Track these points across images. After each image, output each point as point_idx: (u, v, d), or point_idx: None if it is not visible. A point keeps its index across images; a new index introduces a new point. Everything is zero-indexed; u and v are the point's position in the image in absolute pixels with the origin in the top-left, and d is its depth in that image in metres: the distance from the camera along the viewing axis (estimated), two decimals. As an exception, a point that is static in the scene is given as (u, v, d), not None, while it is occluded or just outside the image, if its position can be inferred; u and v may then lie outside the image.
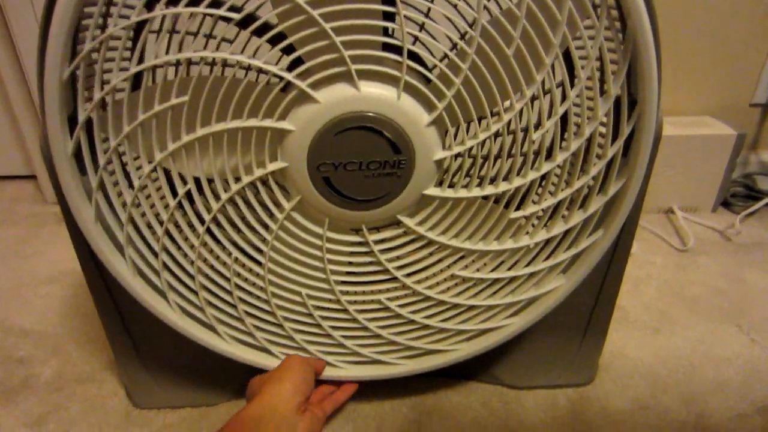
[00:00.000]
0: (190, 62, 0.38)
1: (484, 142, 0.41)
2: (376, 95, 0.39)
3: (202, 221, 0.44)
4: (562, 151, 0.42)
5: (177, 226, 0.45)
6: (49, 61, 0.37)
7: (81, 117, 0.39)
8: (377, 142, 0.39)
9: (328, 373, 0.52)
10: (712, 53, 0.92)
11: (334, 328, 0.50)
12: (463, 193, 0.43)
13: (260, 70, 0.40)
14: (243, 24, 0.37)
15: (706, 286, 0.78)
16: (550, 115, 0.40)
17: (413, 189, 0.42)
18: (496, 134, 0.40)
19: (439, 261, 0.47)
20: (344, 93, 0.38)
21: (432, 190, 0.43)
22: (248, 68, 0.38)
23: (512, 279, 0.48)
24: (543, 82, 0.40)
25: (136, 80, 0.41)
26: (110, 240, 0.45)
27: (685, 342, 0.68)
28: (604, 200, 0.44)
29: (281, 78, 0.38)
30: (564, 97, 0.39)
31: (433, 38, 0.40)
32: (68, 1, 0.35)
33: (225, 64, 0.38)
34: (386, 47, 0.37)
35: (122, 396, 0.59)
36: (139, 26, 0.38)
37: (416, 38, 0.40)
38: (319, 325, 0.50)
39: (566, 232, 0.46)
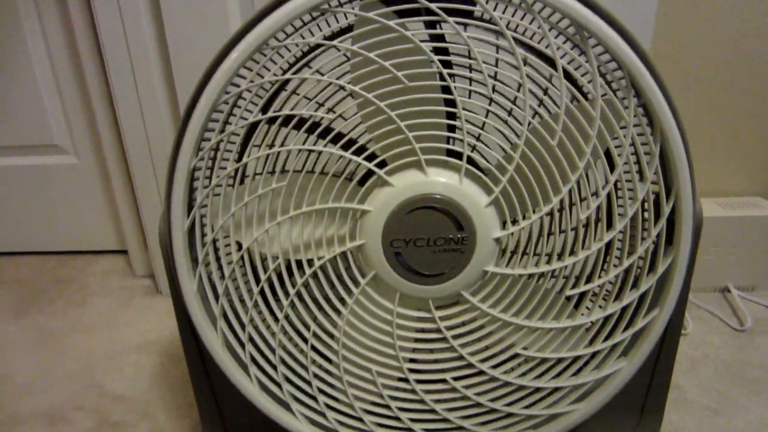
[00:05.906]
0: (288, 154, 0.47)
1: (539, 221, 0.47)
2: (441, 180, 0.46)
3: (286, 295, 0.50)
4: (610, 231, 0.47)
5: (265, 298, 0.51)
6: (181, 158, 0.47)
7: (199, 199, 0.48)
8: (443, 221, 0.46)
9: None
10: (764, 138, 0.96)
11: (402, 410, 0.53)
12: (519, 270, 0.48)
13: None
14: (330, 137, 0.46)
15: (766, 369, 0.78)
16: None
17: (475, 265, 0.48)
18: (550, 214, 0.46)
19: (502, 339, 0.51)
20: (415, 179, 0.46)
21: (492, 267, 0.48)
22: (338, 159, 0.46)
23: (575, 359, 0.51)
24: (587, 173, 0.46)
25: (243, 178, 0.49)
26: (206, 312, 0.52)
27: (747, 425, 0.68)
28: (655, 278, 0.48)
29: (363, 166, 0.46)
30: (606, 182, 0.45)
31: (486, 146, 0.47)
32: (205, 104, 0.45)
33: (319, 153, 0.47)
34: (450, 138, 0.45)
35: (206, 460, 0.65)
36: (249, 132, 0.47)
37: (474, 146, 0.47)
38: (388, 406, 0.53)
39: (622, 311, 0.50)
